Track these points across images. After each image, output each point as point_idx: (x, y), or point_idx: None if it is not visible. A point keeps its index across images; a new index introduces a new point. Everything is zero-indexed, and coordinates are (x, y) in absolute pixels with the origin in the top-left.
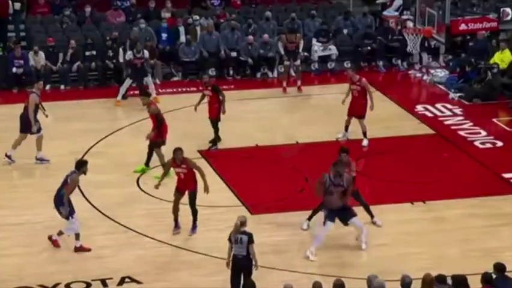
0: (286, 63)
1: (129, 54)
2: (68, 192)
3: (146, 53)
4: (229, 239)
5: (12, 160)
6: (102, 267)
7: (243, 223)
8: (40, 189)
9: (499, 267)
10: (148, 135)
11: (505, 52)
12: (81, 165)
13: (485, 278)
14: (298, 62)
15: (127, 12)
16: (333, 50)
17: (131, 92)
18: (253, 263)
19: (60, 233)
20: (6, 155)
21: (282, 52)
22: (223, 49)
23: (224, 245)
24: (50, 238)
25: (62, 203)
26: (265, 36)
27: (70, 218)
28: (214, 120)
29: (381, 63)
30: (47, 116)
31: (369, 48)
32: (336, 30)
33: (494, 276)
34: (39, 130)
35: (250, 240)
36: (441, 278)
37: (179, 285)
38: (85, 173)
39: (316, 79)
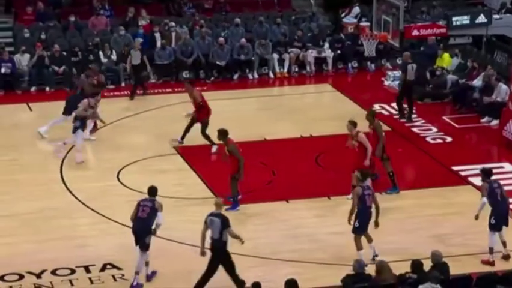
0: None
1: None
2: None
3: None
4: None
5: None
6: (85, 255)
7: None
8: None
9: (416, 265)
10: None
11: (444, 57)
12: None
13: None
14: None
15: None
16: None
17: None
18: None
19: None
20: None
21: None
22: (197, 53)
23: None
24: None
25: None
26: (243, 40)
27: None
28: None
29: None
30: None
31: (338, 52)
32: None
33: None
34: None
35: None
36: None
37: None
38: None
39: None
